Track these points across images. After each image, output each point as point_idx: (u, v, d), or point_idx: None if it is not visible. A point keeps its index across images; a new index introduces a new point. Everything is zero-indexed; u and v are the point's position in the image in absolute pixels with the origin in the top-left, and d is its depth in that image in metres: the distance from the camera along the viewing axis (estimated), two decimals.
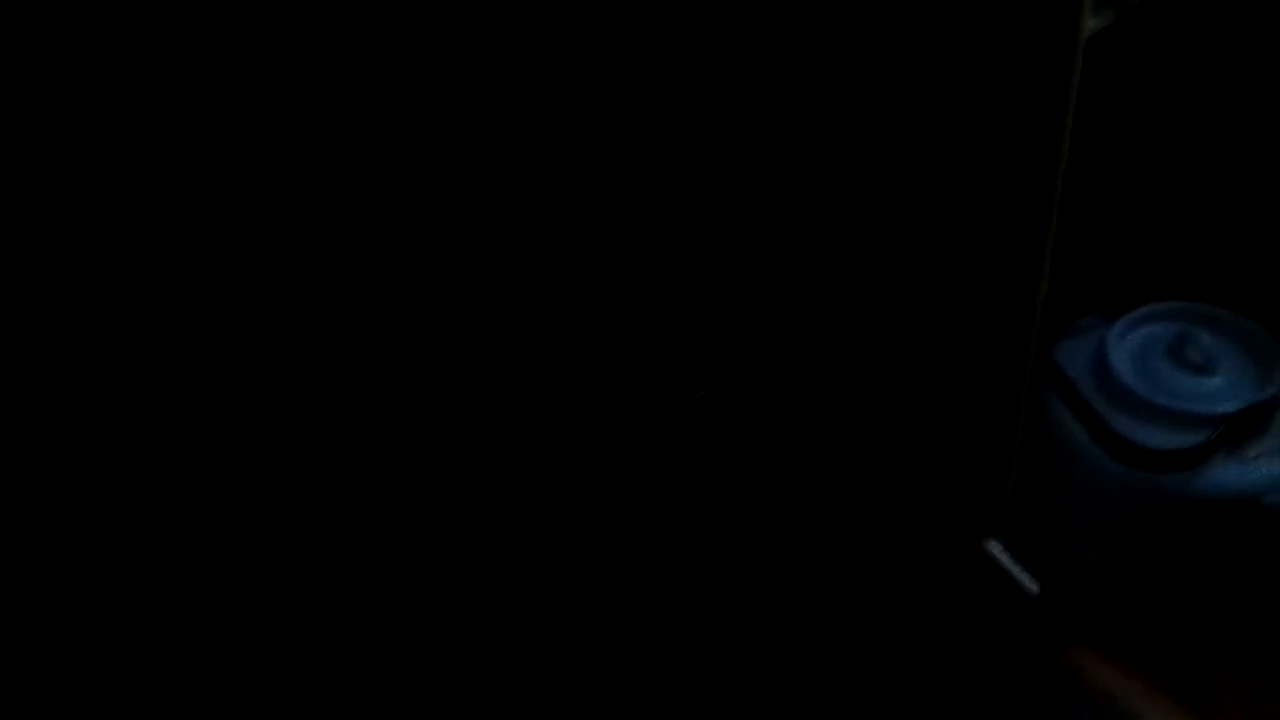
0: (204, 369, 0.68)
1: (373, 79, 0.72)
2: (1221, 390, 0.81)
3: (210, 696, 0.59)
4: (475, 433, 0.70)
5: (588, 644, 0.68)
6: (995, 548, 0.66)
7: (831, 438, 0.72)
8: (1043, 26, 0.53)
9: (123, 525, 0.63)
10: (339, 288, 0.70)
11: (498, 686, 0.66)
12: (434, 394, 0.69)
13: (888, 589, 0.69)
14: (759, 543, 0.72)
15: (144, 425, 0.67)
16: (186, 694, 0.59)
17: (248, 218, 0.72)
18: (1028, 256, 0.60)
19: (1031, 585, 0.66)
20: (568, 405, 0.70)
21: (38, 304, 0.69)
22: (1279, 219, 0.86)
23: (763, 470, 0.73)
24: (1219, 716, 0.64)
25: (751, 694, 0.66)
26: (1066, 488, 0.78)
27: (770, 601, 0.70)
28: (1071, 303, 0.83)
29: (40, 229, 0.70)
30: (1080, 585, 0.73)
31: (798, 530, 0.71)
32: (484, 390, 0.70)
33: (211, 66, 0.70)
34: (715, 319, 0.71)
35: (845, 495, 0.71)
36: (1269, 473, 0.78)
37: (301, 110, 0.71)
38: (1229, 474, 0.78)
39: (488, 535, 0.69)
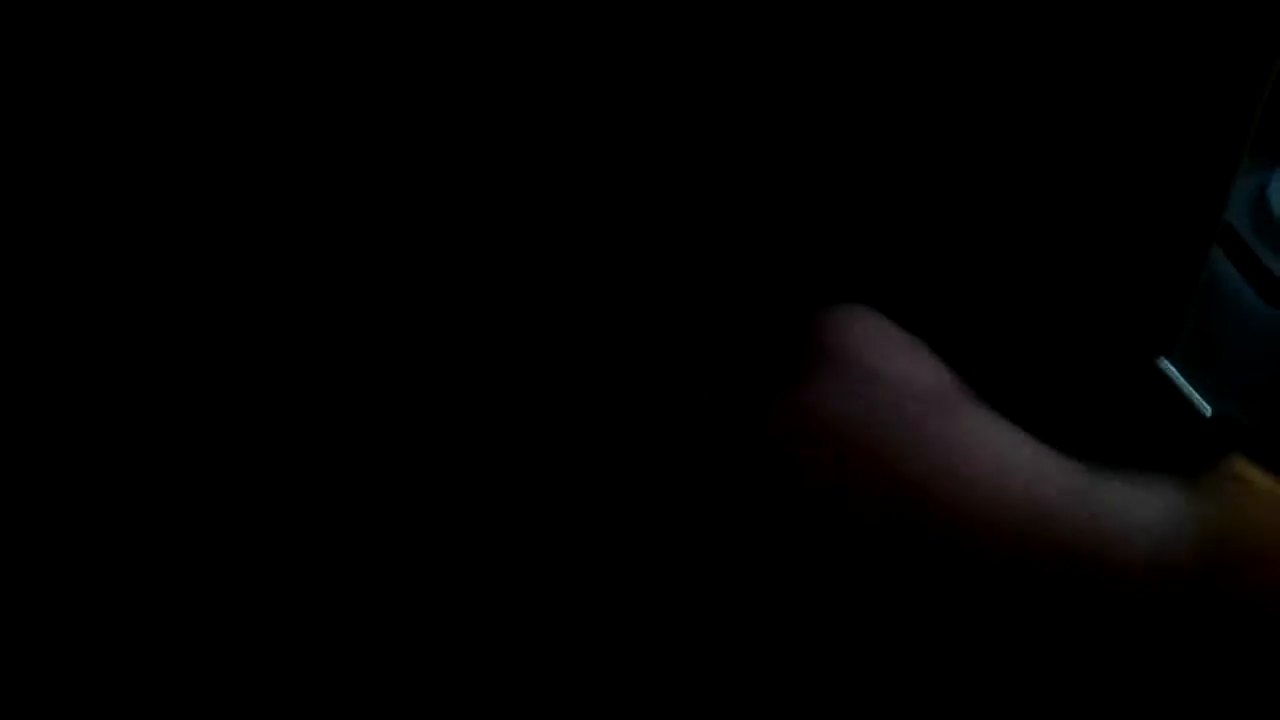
0: (203, 369, 0.65)
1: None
2: None
3: (209, 697, 0.58)
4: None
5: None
6: (1168, 366, 0.60)
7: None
8: None
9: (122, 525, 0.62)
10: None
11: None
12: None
13: (1052, 401, 0.63)
14: None
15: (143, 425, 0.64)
16: (186, 694, 0.58)
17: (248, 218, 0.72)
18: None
19: (1204, 405, 0.60)
20: None
21: (37, 304, 0.67)
22: None
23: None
24: None
25: None
26: (1213, 332, 0.73)
27: None
28: None
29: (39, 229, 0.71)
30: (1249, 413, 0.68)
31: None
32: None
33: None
34: None
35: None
36: None
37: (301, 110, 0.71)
38: None
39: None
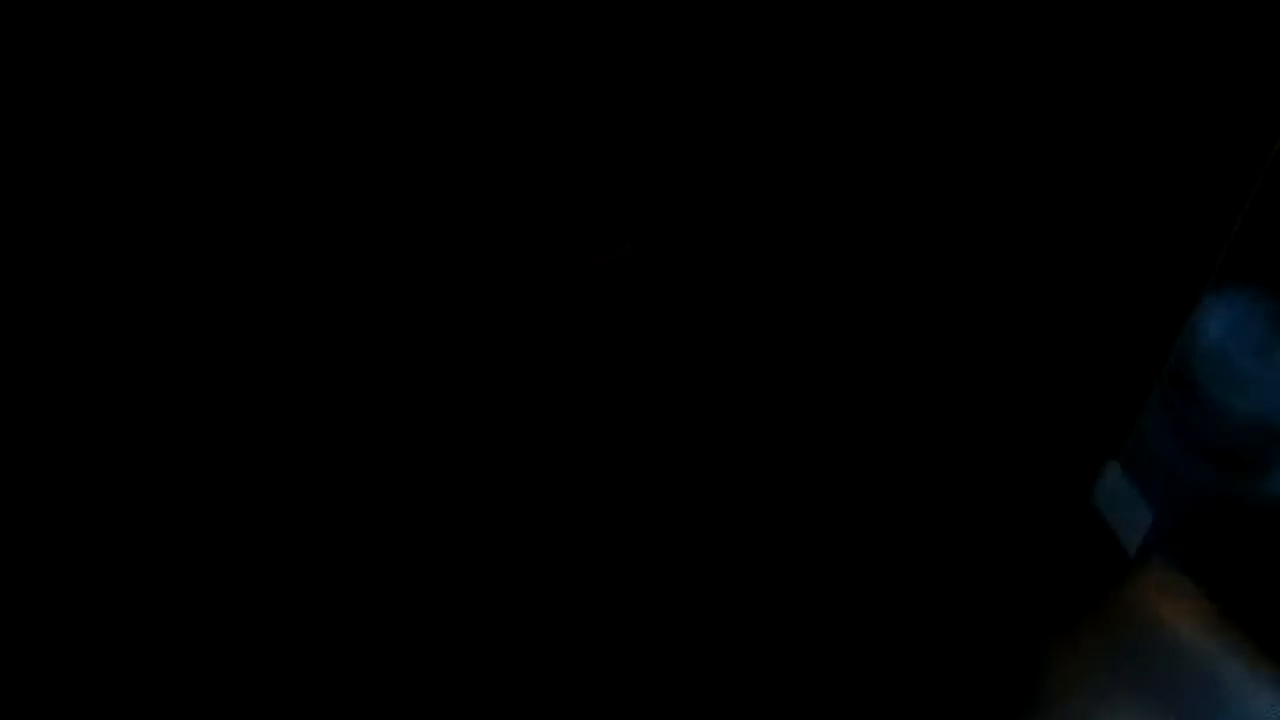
0: (204, 370, 0.67)
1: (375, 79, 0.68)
2: None
3: (210, 697, 0.58)
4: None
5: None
6: (1113, 470, 0.62)
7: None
8: None
9: (122, 525, 0.63)
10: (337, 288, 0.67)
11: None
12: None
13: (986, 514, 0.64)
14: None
15: (144, 425, 0.66)
16: (186, 694, 0.58)
17: (250, 218, 0.68)
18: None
19: (1141, 527, 0.61)
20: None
21: (39, 304, 0.66)
22: None
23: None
24: None
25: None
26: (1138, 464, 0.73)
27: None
28: None
29: (41, 229, 0.66)
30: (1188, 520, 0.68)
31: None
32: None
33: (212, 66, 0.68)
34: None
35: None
36: None
37: (303, 110, 0.69)
38: None
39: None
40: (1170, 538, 0.68)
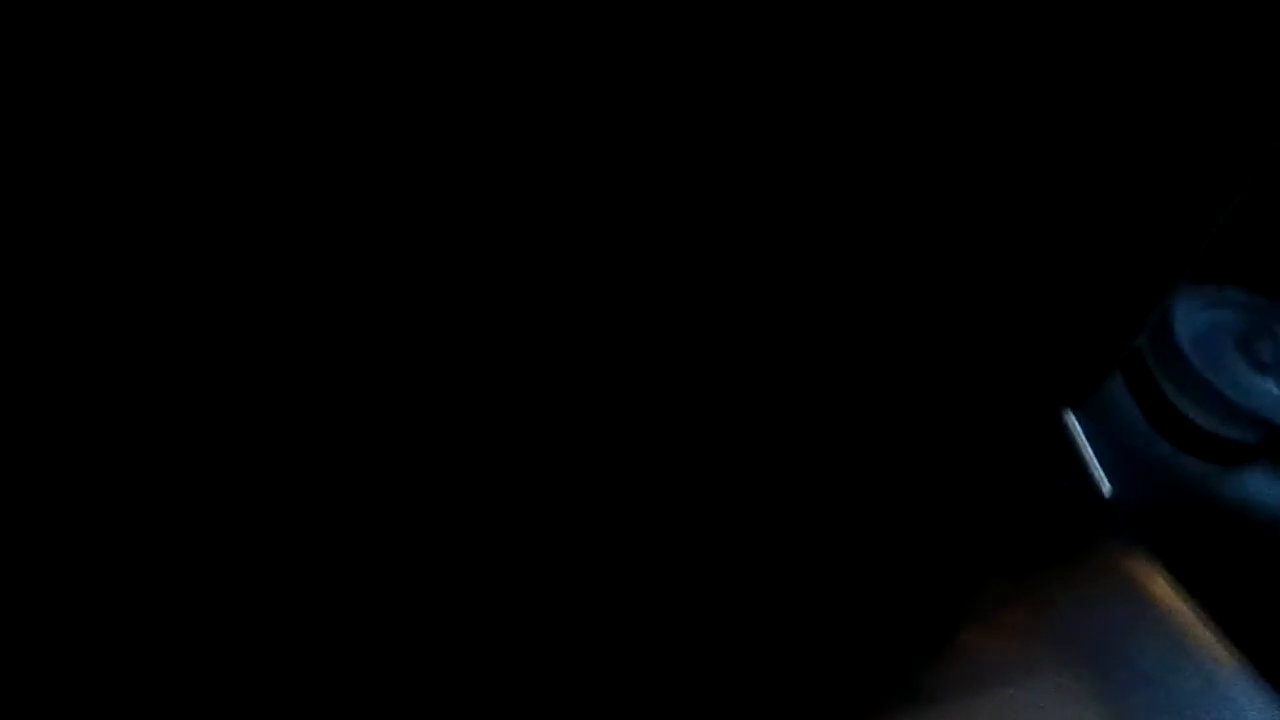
0: (203, 369, 0.61)
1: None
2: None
3: (209, 697, 0.56)
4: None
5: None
6: (1073, 424, 0.59)
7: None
8: None
9: (121, 525, 0.58)
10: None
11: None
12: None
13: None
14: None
15: (143, 425, 0.60)
16: (184, 694, 0.56)
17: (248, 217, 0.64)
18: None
19: (1103, 481, 0.59)
20: None
21: (37, 304, 0.60)
22: None
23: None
24: None
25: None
26: (1097, 440, 0.73)
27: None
28: None
29: (39, 229, 0.60)
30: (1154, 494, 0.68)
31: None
32: None
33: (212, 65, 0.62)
34: None
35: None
36: None
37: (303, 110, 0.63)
38: (1261, 484, 0.72)
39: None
40: (1125, 504, 0.69)
